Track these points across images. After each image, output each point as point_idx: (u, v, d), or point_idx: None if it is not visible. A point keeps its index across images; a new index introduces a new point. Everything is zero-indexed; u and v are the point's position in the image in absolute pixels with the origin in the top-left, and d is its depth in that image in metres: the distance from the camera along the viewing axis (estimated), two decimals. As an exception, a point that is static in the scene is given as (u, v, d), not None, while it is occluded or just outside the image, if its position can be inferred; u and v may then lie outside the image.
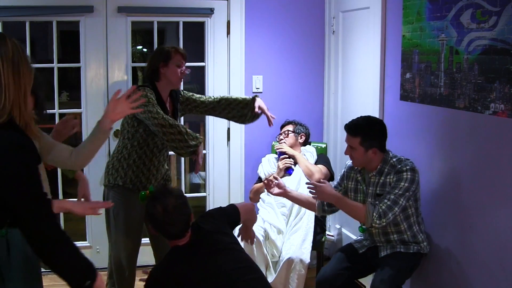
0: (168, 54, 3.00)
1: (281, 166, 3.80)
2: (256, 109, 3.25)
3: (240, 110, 3.27)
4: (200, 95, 3.33)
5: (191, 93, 3.31)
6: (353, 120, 2.91)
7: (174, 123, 2.80)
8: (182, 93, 3.28)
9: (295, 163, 3.82)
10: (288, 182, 3.62)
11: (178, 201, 2.37)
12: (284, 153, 3.83)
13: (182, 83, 3.34)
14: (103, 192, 3.17)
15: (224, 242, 2.46)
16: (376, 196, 2.84)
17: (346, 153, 2.92)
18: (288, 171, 3.79)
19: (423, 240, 2.87)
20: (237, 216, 2.68)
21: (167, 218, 2.34)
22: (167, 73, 3.01)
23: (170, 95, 3.12)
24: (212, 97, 3.32)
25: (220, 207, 2.73)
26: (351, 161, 3.01)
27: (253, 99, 3.26)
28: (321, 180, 3.07)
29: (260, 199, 3.75)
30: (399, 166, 2.80)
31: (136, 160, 3.01)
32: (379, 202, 2.76)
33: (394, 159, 2.85)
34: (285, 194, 3.15)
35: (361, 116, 2.93)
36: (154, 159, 3.05)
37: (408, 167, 2.78)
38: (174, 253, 2.42)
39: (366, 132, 2.82)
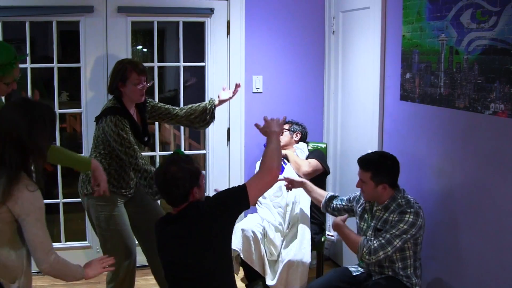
0: (124, 75, 3.08)
1: None
2: (221, 97, 3.54)
3: (202, 111, 3.48)
4: (163, 104, 3.47)
5: (155, 102, 3.45)
6: (366, 154, 2.95)
7: (147, 168, 3.00)
8: (148, 101, 3.37)
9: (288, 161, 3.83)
10: (280, 182, 3.64)
11: (178, 173, 2.39)
12: None
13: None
14: (84, 203, 3.19)
15: (186, 237, 2.44)
16: (376, 230, 2.85)
17: (357, 186, 2.93)
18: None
19: (416, 284, 2.82)
20: (244, 202, 2.43)
21: (163, 185, 2.44)
22: (126, 92, 3.10)
23: (137, 106, 3.21)
24: (176, 107, 3.49)
25: (229, 192, 2.53)
26: None
27: (213, 103, 3.52)
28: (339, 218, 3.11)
29: (257, 201, 3.75)
30: (405, 207, 2.77)
31: (117, 169, 3.13)
32: (374, 238, 2.79)
33: (403, 200, 2.81)
34: (303, 186, 3.42)
35: (374, 151, 2.97)
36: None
37: (412, 210, 2.74)
38: (163, 217, 2.58)
39: (377, 167, 2.83)
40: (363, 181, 2.87)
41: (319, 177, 3.79)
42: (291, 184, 3.47)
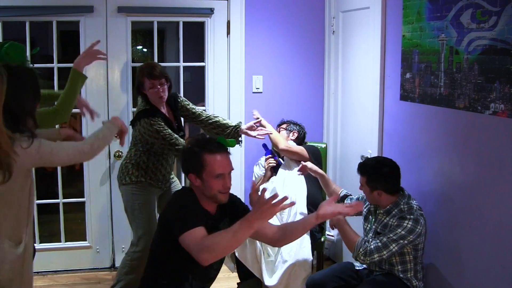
0: (139, 81, 3.32)
1: (266, 166, 3.83)
2: (244, 128, 3.56)
3: (224, 132, 3.57)
4: (194, 106, 3.60)
5: (187, 102, 3.59)
6: (366, 159, 2.98)
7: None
8: (179, 99, 3.54)
9: (281, 157, 3.83)
10: (274, 183, 3.66)
11: (184, 151, 2.47)
12: (259, 123, 3.73)
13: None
14: (122, 192, 3.46)
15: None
16: (376, 233, 2.87)
17: (359, 188, 2.98)
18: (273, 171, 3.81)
19: (417, 286, 2.83)
20: (173, 236, 2.27)
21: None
22: (148, 95, 3.33)
23: (168, 103, 3.44)
24: (204, 114, 3.60)
25: (182, 213, 2.33)
26: None
27: (238, 127, 3.56)
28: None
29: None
30: (406, 213, 2.79)
31: (155, 163, 3.39)
32: (371, 240, 2.81)
33: (406, 206, 2.82)
34: (320, 175, 3.44)
35: (375, 157, 2.98)
36: (169, 159, 3.47)
37: (412, 216, 2.75)
38: None
39: (371, 173, 2.86)
40: (362, 184, 2.91)
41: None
42: (303, 170, 3.49)
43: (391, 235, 2.74)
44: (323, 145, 4.22)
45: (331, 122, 4.30)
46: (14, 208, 2.16)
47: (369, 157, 3.02)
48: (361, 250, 2.77)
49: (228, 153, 2.42)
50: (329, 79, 4.29)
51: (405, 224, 2.74)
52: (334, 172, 4.25)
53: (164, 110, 3.39)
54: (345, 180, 4.11)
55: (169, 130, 3.27)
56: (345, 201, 3.27)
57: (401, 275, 2.83)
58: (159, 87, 3.27)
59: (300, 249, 3.39)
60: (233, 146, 2.51)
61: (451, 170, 2.85)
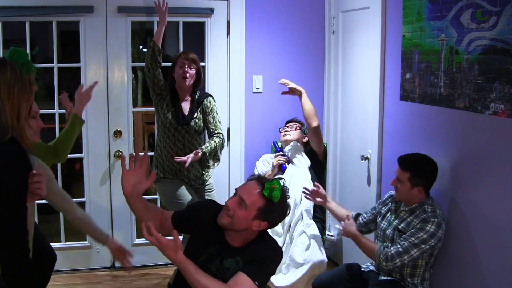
0: (175, 60, 3.60)
1: (274, 163, 3.80)
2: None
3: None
4: (214, 117, 3.66)
5: (216, 112, 3.68)
6: (408, 154, 2.92)
7: None
8: (208, 102, 3.66)
9: (292, 157, 3.82)
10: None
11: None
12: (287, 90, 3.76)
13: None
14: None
15: None
16: (397, 230, 2.86)
17: (392, 184, 2.93)
18: (281, 167, 3.79)
19: None
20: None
21: None
22: (174, 76, 3.59)
23: (192, 98, 3.62)
24: (210, 131, 3.66)
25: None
26: (394, 192, 3.00)
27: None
28: (348, 218, 3.13)
29: None
30: (430, 215, 2.76)
31: (164, 158, 3.59)
32: (391, 245, 2.80)
33: (430, 207, 2.80)
34: (324, 203, 3.37)
35: (416, 153, 2.93)
36: (176, 152, 3.56)
37: (436, 220, 2.73)
38: None
39: (417, 169, 2.82)
40: (400, 180, 2.85)
41: (317, 172, 3.78)
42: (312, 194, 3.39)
43: (412, 239, 2.73)
44: (323, 145, 4.21)
45: (331, 122, 4.30)
46: None
47: (409, 154, 2.96)
48: (381, 256, 2.78)
49: (257, 186, 2.31)
50: (329, 79, 4.29)
51: (428, 228, 2.72)
52: (334, 172, 4.25)
53: (186, 101, 3.59)
54: (345, 179, 4.11)
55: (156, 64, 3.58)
56: (359, 218, 3.20)
57: (408, 279, 2.82)
58: (187, 67, 3.51)
59: (313, 250, 3.38)
60: (275, 199, 2.29)
61: (450, 170, 2.85)
